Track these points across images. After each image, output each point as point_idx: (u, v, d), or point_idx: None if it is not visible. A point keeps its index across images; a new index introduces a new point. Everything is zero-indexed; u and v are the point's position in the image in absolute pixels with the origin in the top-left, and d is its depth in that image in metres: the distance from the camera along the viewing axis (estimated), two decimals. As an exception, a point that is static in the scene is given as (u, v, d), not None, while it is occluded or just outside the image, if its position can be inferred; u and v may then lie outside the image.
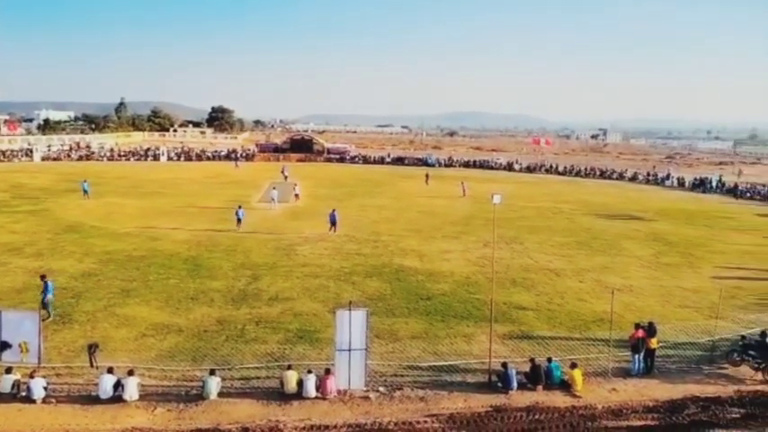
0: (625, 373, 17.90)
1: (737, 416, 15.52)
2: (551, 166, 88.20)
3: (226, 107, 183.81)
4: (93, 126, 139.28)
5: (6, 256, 28.26)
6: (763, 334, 18.68)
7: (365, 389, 16.29)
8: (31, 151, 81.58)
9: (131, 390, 15.12)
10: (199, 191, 53.75)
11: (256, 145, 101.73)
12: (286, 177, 62.06)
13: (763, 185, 67.92)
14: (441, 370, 17.62)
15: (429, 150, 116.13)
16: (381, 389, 16.41)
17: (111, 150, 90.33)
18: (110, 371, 15.45)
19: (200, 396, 15.48)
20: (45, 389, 15.11)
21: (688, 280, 28.23)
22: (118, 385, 15.16)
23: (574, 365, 16.91)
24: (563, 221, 43.38)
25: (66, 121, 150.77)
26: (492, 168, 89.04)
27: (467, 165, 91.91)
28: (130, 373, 15.47)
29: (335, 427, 14.40)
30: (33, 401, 14.94)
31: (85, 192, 46.68)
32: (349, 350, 16.20)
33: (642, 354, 18.00)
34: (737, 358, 18.53)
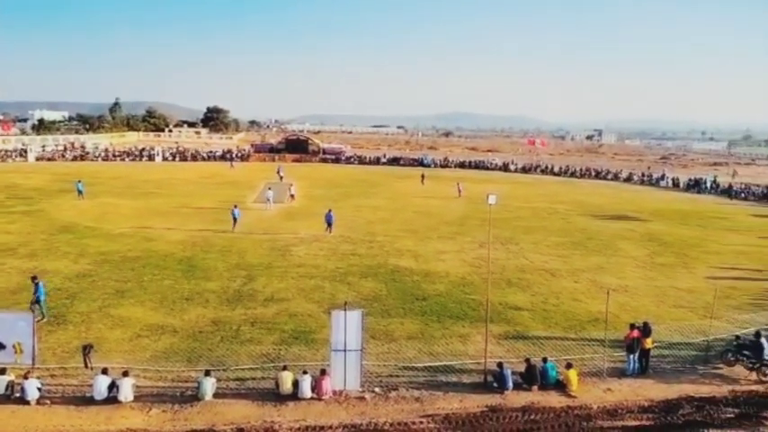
0: (620, 374, 17.93)
1: (732, 416, 15.56)
2: (547, 167, 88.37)
3: (221, 107, 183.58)
4: (88, 126, 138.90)
5: (0, 257, 28.13)
6: (757, 334, 18.73)
7: (361, 389, 16.27)
8: (26, 151, 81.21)
9: (126, 391, 15.07)
10: (194, 191, 53.64)
11: (252, 145, 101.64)
12: (281, 178, 62.02)
13: (758, 186, 68.23)
14: (436, 370, 17.61)
15: (425, 151, 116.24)
16: (377, 389, 16.40)
17: (106, 150, 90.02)
18: (104, 372, 15.39)
19: (195, 397, 15.44)
20: (39, 390, 15.04)
21: (683, 280, 28.31)
22: (112, 386, 15.10)
23: (569, 365, 16.94)
24: (558, 222, 43.46)
25: (60, 122, 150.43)
26: (487, 169, 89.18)
27: (462, 165, 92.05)
28: (125, 373, 15.43)
29: (331, 427, 14.38)
30: (27, 402, 14.87)
31: (80, 192, 46.52)
32: (344, 351, 16.17)
33: (637, 354, 18.03)
34: (732, 358, 18.59)
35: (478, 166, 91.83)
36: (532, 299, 24.61)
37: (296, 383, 15.76)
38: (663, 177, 77.23)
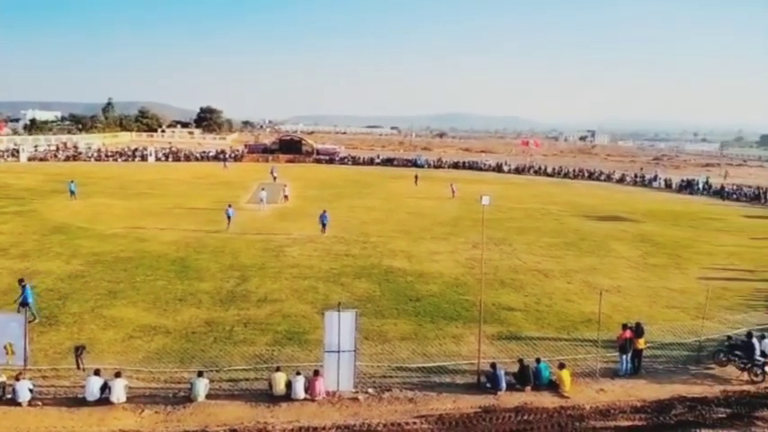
0: (613, 374, 17.99)
1: (723, 416, 15.64)
2: (540, 168, 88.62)
3: (214, 108, 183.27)
4: (81, 126, 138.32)
5: (-8, 258, 27.98)
6: (749, 334, 18.84)
7: (354, 390, 16.27)
8: (18, 151, 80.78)
9: (118, 392, 15.01)
10: (187, 192, 53.50)
11: (245, 146, 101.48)
12: (275, 178, 61.94)
13: (749, 187, 68.64)
14: (430, 371, 17.63)
15: (418, 151, 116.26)
16: (370, 390, 16.40)
17: (99, 151, 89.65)
18: (96, 373, 15.33)
19: (187, 398, 15.39)
20: (31, 391, 14.97)
21: (675, 281, 28.43)
22: (105, 387, 15.05)
23: (562, 366, 16.98)
24: (551, 223, 43.57)
25: (52, 122, 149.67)
26: (481, 170, 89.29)
27: (456, 166, 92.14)
28: (117, 374, 15.37)
29: (324, 428, 14.37)
30: (19, 404, 14.80)
31: (72, 192, 46.31)
32: (338, 351, 16.17)
33: (630, 354, 18.10)
34: (724, 358, 18.69)
35: (472, 166, 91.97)
36: (525, 299, 24.66)
37: (289, 384, 15.73)
38: (655, 178, 77.55)
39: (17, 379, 15.07)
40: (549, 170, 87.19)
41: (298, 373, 15.98)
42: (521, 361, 17.19)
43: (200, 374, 15.72)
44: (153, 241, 32.40)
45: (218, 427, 14.26)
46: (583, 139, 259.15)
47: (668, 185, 74.33)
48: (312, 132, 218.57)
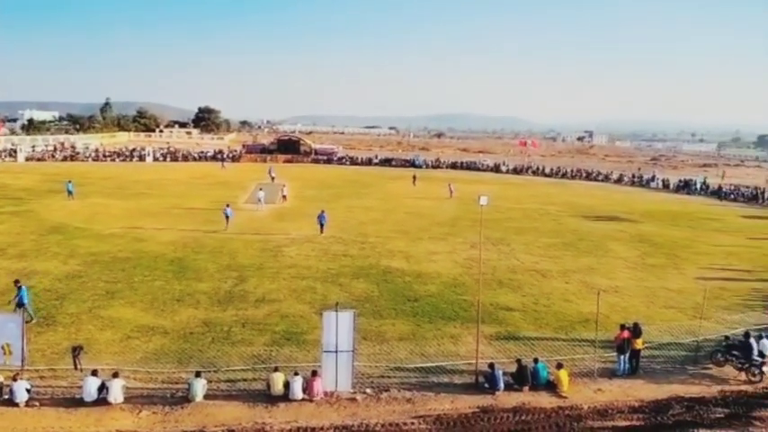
0: (611, 374, 18.00)
1: (721, 416, 15.66)
2: (538, 168, 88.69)
3: (212, 107, 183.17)
4: (78, 126, 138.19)
5: (-11, 258, 27.93)
6: (746, 334, 18.87)
7: (352, 390, 16.26)
8: (15, 151, 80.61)
9: (116, 392, 14.99)
10: (185, 192, 53.44)
11: (243, 146, 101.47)
12: (273, 178, 61.91)
13: (747, 187, 68.79)
14: (428, 371, 17.63)
15: (416, 152, 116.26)
16: (368, 390, 16.40)
17: (96, 151, 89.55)
18: (94, 373, 15.31)
19: (185, 398, 15.38)
20: (28, 391, 14.94)
21: (673, 281, 28.46)
22: (102, 388, 15.02)
23: (560, 366, 16.99)
24: (549, 223, 43.60)
25: (50, 122, 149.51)
26: (479, 170, 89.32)
27: (454, 166, 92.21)
28: (115, 375, 15.35)
29: (322, 428, 14.36)
30: (16, 404, 14.77)
31: (70, 192, 46.24)
32: (336, 352, 16.15)
33: (627, 354, 18.12)
34: (721, 358, 18.72)
35: (470, 167, 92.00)
36: (523, 299, 24.67)
37: (287, 385, 15.72)
38: (653, 179, 77.66)
39: (14, 379, 15.04)
40: (547, 170, 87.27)
41: (296, 374, 15.98)
42: (519, 361, 17.21)
43: (197, 375, 15.71)
44: (151, 241, 32.36)
45: (215, 427, 14.25)
46: (581, 139, 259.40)
47: (666, 186, 74.43)
48: (310, 132, 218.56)
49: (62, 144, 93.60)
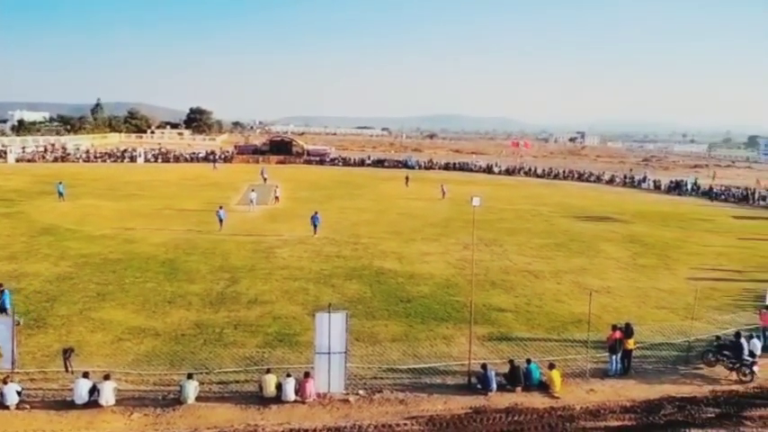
0: (603, 374, 18.06)
1: (712, 415, 15.72)
2: (530, 169, 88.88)
3: (204, 108, 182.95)
4: (69, 127, 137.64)
5: (-21, 260, 27.72)
6: (737, 334, 18.97)
7: (345, 392, 16.24)
8: (5, 153, 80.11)
9: (107, 395, 14.91)
10: (176, 193, 53.27)
11: (235, 147, 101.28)
12: (265, 179, 61.79)
13: (737, 188, 69.19)
14: (420, 372, 17.64)
15: (409, 153, 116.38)
16: (361, 392, 16.38)
17: (87, 152, 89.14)
18: (85, 375, 15.23)
19: (177, 401, 15.31)
20: (19, 394, 14.83)
21: (664, 281, 28.59)
22: (93, 390, 14.94)
23: (552, 366, 17.02)
24: (541, 224, 43.70)
25: (41, 122, 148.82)
26: (471, 171, 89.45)
27: (446, 167, 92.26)
28: (106, 377, 15.27)
29: (315, 430, 14.32)
30: (7, 407, 14.66)
31: (61, 194, 46.00)
32: (328, 353, 16.13)
33: (619, 354, 18.18)
34: (712, 358, 18.81)
35: (463, 168, 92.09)
36: (516, 300, 24.72)
37: (279, 386, 15.68)
38: (644, 179, 77.98)
39: (5, 382, 14.92)
40: (540, 171, 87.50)
41: (288, 375, 15.94)
42: (511, 362, 17.23)
43: (189, 377, 15.64)
44: (142, 243, 32.23)
45: (207, 429, 14.19)
46: (573, 140, 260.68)
47: (657, 186, 74.74)
48: (303, 133, 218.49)
49: (53, 145, 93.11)
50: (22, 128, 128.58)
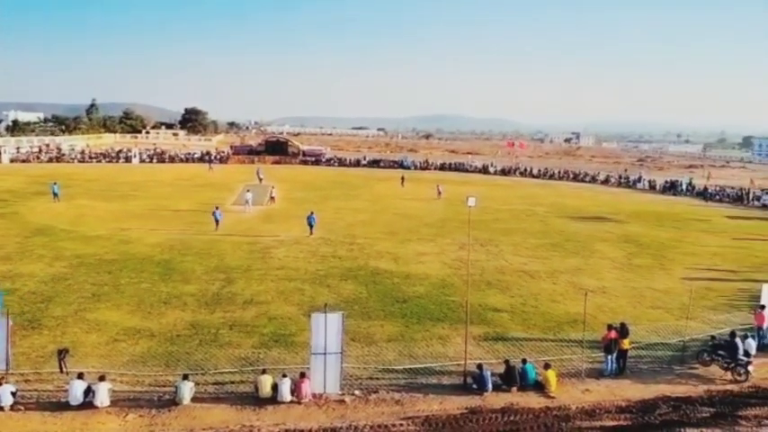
0: (598, 374, 18.09)
1: (708, 415, 15.75)
2: (525, 169, 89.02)
3: (199, 109, 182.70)
4: (64, 127, 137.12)
5: (-27, 260, 27.61)
6: (732, 334, 19.00)
7: (340, 392, 16.23)
8: (-1, 153, 79.89)
9: (102, 396, 14.86)
10: (172, 193, 53.17)
11: (231, 147, 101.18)
12: (261, 180, 61.72)
13: (732, 188, 69.40)
14: (416, 372, 17.63)
15: (405, 153, 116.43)
16: (357, 392, 16.37)
17: (82, 152, 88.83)
18: (80, 376, 15.18)
19: (172, 401, 15.27)
20: (13, 395, 14.79)
21: (659, 281, 28.65)
22: (88, 391, 14.88)
23: (547, 366, 17.05)
24: (537, 224, 43.76)
25: (35, 123, 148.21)
26: (467, 171, 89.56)
27: (442, 167, 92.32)
28: (101, 378, 15.22)
29: (311, 431, 14.31)
30: (1, 408, 14.60)
31: (55, 194, 45.85)
32: (324, 354, 16.11)
33: (615, 354, 18.20)
34: (707, 358, 18.85)
35: (458, 168, 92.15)
36: (511, 300, 24.74)
37: (275, 387, 15.66)
38: (639, 179, 78.18)
39: (-1, 383, 14.88)
40: (535, 171, 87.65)
41: (284, 376, 15.92)
42: (507, 362, 17.24)
43: (185, 377, 15.61)
44: (137, 243, 32.15)
45: (203, 430, 14.16)
46: (568, 140, 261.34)
47: (652, 187, 74.95)
48: (298, 134, 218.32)
49: (47, 145, 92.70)
50: (16, 128, 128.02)
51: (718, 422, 15.33)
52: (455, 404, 15.82)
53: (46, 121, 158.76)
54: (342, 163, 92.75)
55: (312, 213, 36.34)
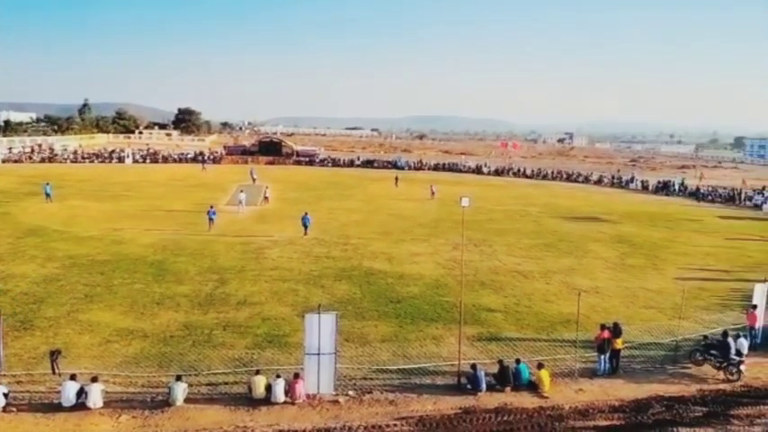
0: (591, 374, 18.14)
1: (700, 414, 15.82)
2: (519, 170, 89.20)
3: (192, 109, 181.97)
4: (56, 128, 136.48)
5: (-36, 261, 27.45)
6: (724, 334, 19.09)
7: (334, 393, 16.22)
8: (-8, 153, 79.48)
9: (95, 397, 14.80)
10: (165, 194, 53.02)
11: (224, 147, 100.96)
12: (254, 180, 61.64)
13: (724, 188, 69.78)
14: (410, 373, 17.65)
15: (398, 153, 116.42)
16: (351, 392, 16.36)
17: (75, 152, 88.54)
18: (73, 378, 15.11)
19: (166, 402, 15.22)
20: (6, 396, 14.69)
21: (652, 281, 28.76)
22: (81, 392, 14.83)
23: (541, 366, 17.09)
24: (530, 224, 43.85)
25: (27, 123, 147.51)
26: (461, 171, 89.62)
27: (436, 168, 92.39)
28: (94, 379, 15.15)
29: (304, 431, 14.30)
30: (-7, 410, 14.53)
31: (48, 195, 45.66)
32: (318, 354, 16.10)
33: (608, 354, 18.27)
34: (700, 358, 18.93)
35: (452, 168, 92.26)
36: (505, 300, 24.78)
37: (269, 388, 15.64)
38: (632, 180, 78.46)
39: (-9, 385, 14.80)
40: (528, 172, 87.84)
41: (278, 376, 15.90)
42: (500, 362, 17.27)
43: (178, 378, 15.57)
44: (130, 244, 32.04)
45: (196, 431, 14.13)
46: (561, 141, 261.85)
47: (645, 187, 75.23)
48: (292, 134, 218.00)
49: (39, 146, 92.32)
50: (8, 129, 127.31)
51: (710, 421, 15.40)
52: (449, 404, 15.83)
53: (38, 121, 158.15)
54: (335, 163, 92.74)
55: (306, 214, 36.32)
